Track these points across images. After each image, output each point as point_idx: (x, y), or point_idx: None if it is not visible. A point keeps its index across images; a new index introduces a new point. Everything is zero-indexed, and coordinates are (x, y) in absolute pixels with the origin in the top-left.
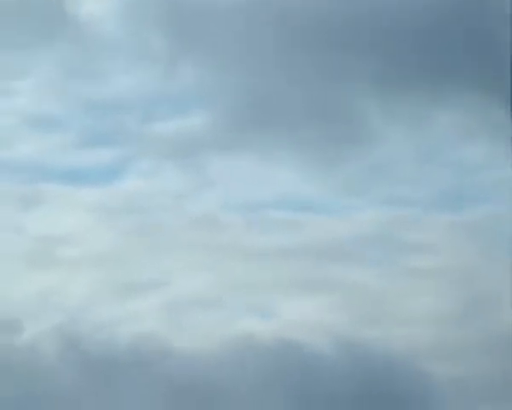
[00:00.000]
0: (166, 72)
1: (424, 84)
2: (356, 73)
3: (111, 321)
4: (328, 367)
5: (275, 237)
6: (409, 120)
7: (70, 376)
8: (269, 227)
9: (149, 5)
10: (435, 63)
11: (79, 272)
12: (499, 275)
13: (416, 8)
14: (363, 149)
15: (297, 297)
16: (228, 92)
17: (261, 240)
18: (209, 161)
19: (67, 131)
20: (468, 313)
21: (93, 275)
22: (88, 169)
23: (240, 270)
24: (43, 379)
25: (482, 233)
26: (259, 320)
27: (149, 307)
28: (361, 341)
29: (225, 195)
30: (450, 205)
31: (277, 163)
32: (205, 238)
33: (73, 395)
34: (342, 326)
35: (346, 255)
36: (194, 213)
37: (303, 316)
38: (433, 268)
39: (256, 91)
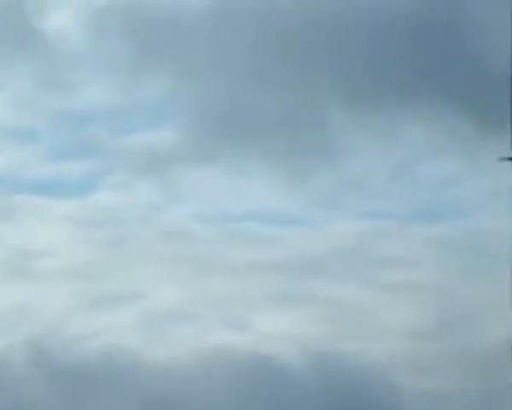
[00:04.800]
0: (135, 83)
1: (398, 99)
2: (329, 87)
3: (84, 333)
4: (302, 380)
5: (248, 250)
6: (382, 134)
7: (41, 388)
8: (242, 240)
9: (116, 17)
10: (408, 78)
11: (52, 285)
12: (474, 289)
13: (389, 23)
14: (336, 163)
15: (271, 310)
16: (198, 104)
17: (234, 253)
18: (181, 174)
19: (39, 143)
20: (442, 327)
21: (66, 287)
22: (60, 181)
23: (213, 283)
24: (14, 391)
25: (456, 247)
26: (233, 333)
27: (123, 320)
28: (335, 354)
29: (198, 208)
30: (423, 219)
31: (250, 176)
32: (178, 251)
33: (44, 407)
34: (316, 340)
35: (320, 269)
36: (167, 226)
37: (277, 329)
38: (407, 282)
39: (228, 104)
